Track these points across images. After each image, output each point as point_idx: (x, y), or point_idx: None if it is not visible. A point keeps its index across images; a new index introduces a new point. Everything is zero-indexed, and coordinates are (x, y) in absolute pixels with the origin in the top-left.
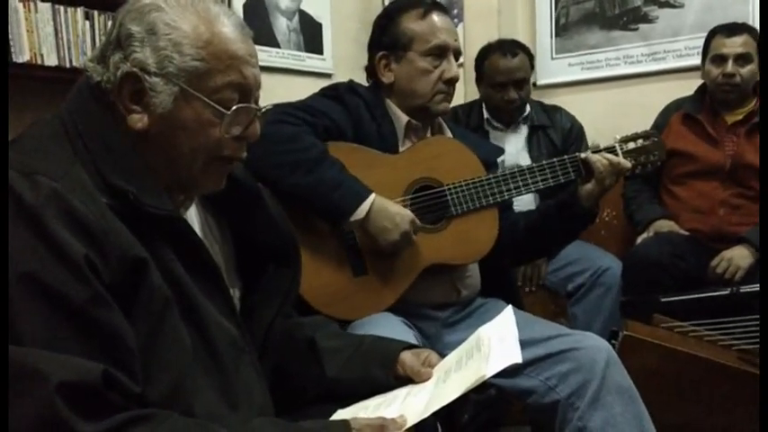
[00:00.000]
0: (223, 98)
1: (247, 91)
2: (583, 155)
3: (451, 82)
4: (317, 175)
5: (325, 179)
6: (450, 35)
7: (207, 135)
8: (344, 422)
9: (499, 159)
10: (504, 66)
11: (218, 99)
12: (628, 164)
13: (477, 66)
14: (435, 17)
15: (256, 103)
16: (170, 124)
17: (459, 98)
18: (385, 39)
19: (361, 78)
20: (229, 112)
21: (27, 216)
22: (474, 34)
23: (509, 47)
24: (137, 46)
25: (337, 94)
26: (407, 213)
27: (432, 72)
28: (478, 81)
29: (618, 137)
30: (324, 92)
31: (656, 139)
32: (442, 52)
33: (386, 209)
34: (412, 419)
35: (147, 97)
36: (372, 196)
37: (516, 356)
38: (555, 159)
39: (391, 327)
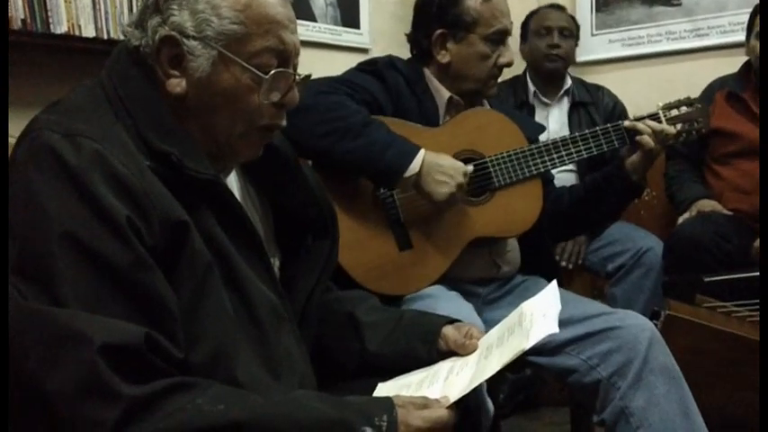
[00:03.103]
0: (261, 63)
1: (286, 57)
2: (626, 122)
3: (506, 66)
4: (367, 138)
5: (375, 141)
6: (508, 18)
7: (245, 101)
8: (388, 399)
9: (541, 137)
10: (550, 14)
11: (256, 64)
12: (672, 129)
13: (523, 26)
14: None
15: (295, 69)
16: (208, 89)
17: None
18: (445, 16)
19: (398, 53)
20: (267, 77)
21: (70, 177)
22: (512, 10)
23: (556, 5)
24: (175, 9)
25: (376, 69)
26: (460, 164)
27: (490, 57)
28: (523, 39)
29: (661, 104)
30: (362, 67)
31: (699, 106)
32: (502, 37)
33: (438, 162)
34: (454, 396)
35: (185, 61)
36: (423, 151)
37: (553, 327)
38: (597, 128)
39: (451, 300)
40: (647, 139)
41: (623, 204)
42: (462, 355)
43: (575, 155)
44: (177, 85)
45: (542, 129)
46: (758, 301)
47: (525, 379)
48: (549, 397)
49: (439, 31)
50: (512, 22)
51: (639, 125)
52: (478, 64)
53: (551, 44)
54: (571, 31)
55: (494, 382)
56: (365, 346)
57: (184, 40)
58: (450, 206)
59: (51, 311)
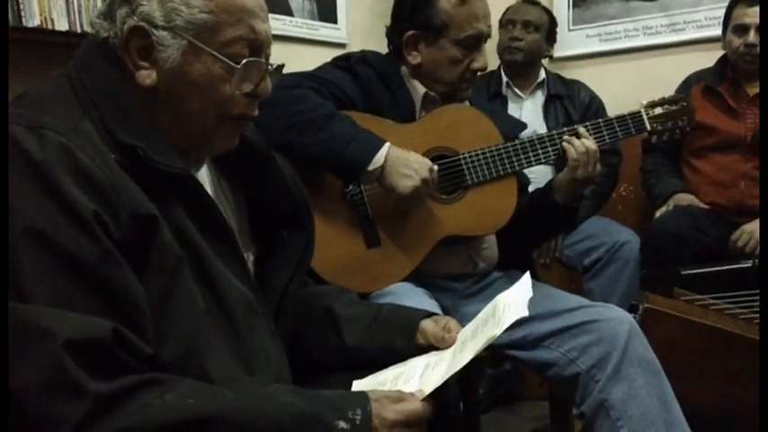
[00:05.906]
0: (233, 52)
1: (258, 46)
2: (567, 136)
3: (479, 71)
4: (328, 132)
5: (337, 134)
6: (485, 22)
7: (217, 91)
8: (363, 393)
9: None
10: (519, 8)
11: (227, 53)
12: (593, 145)
13: (499, 22)
14: (474, 2)
15: (267, 59)
16: (179, 80)
17: None
18: (417, 16)
19: (376, 48)
20: (239, 67)
21: (34, 171)
22: (491, 7)
23: (533, 1)
24: None
25: (348, 64)
26: (425, 160)
27: (461, 62)
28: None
29: (644, 102)
30: (335, 62)
31: (684, 104)
32: (476, 42)
33: (403, 156)
34: (428, 389)
35: (154, 52)
36: (387, 145)
37: (523, 311)
38: (576, 126)
39: (415, 297)
40: (571, 151)
41: (551, 227)
42: (440, 350)
43: (551, 154)
44: (147, 76)
45: (523, 126)
46: (735, 293)
47: (505, 373)
48: (528, 391)
49: (410, 32)
50: (489, 26)
51: (574, 140)
52: (449, 68)
53: (512, 36)
54: (537, 26)
55: (472, 375)
56: (343, 340)
57: (153, 30)
58: (414, 202)
59: (15, 308)
